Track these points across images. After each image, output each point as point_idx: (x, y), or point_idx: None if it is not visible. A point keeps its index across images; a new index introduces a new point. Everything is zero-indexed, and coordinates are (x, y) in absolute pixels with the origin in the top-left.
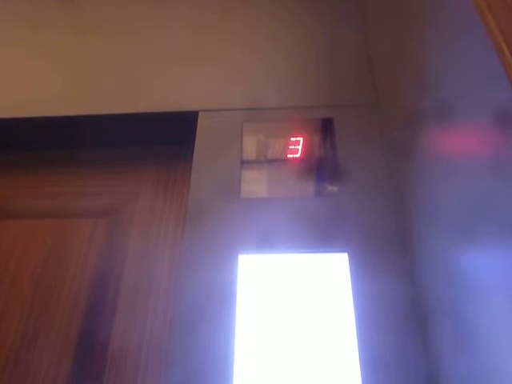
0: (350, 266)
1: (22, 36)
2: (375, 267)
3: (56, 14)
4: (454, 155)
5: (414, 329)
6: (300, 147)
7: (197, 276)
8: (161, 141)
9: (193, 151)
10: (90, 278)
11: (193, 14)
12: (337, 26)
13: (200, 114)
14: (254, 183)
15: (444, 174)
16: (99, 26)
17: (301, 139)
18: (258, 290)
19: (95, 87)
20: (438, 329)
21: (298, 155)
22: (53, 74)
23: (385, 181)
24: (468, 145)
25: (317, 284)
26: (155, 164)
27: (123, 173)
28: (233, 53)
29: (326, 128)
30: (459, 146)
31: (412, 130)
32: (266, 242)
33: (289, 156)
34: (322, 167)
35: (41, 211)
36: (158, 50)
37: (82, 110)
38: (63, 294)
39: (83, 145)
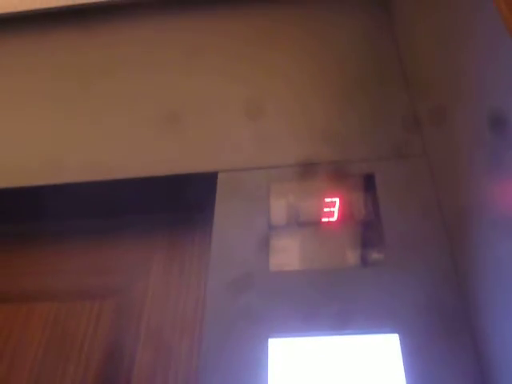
0: (402, 350)
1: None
2: (433, 352)
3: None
4: None
5: None
6: (336, 209)
7: (220, 365)
8: (173, 207)
9: (212, 217)
10: (96, 369)
11: (211, 60)
12: (374, 67)
13: (219, 174)
14: (284, 253)
15: None
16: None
17: (337, 200)
18: (292, 380)
19: (90, 151)
20: None
21: (334, 219)
22: (47, 137)
23: (440, 245)
24: None
25: (363, 371)
26: (168, 234)
27: (132, 245)
28: (255, 103)
29: (367, 185)
30: None
31: (474, 182)
32: (300, 323)
33: (323, 220)
34: (363, 232)
35: (37, 293)
36: (167, 102)
37: (80, 176)
38: None
39: (82, 215)
